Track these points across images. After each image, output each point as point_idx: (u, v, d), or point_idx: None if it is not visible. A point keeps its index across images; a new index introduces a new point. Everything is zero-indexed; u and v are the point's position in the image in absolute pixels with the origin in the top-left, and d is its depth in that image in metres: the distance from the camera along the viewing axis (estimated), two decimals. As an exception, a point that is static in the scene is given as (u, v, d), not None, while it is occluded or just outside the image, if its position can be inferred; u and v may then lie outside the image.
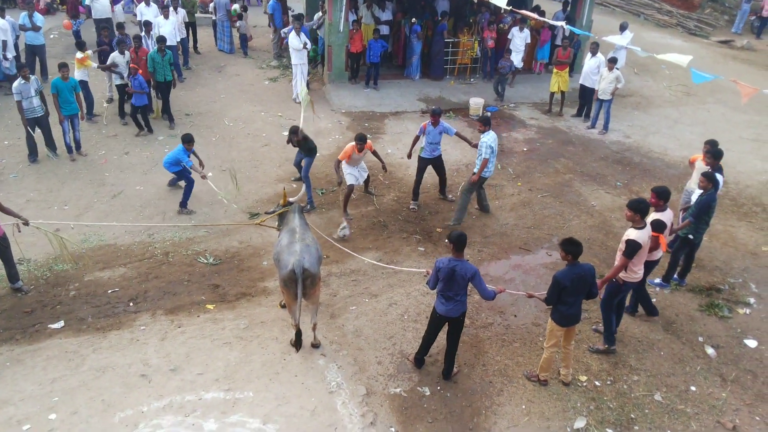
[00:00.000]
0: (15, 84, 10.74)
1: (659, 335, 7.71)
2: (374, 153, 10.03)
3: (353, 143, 9.55)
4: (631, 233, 6.66)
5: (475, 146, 9.95)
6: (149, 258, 8.89)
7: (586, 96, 14.09)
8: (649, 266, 7.45)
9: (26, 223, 8.00)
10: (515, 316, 7.96)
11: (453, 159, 11.97)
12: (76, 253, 8.78)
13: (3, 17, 13.48)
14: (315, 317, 7.08)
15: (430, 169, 10.37)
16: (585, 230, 9.98)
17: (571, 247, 6.24)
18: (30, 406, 6.30)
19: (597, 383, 6.91)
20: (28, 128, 10.96)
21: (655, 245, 7.18)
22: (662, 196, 7.24)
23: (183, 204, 10.05)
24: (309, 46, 14.20)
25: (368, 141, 9.75)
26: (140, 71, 12.11)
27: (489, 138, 9.48)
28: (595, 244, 9.63)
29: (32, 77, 10.90)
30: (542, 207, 10.63)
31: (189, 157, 9.84)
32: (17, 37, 14.18)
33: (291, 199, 7.94)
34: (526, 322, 7.83)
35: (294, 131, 10.09)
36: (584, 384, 6.89)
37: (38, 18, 14.26)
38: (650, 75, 17.51)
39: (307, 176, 10.18)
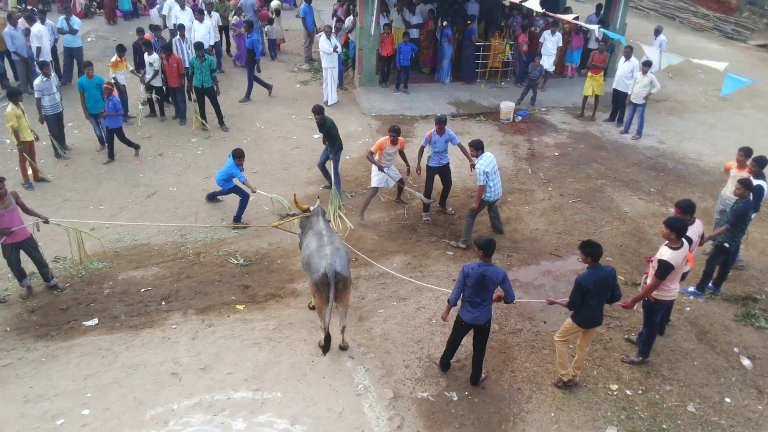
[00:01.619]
0: (37, 81, 11.19)
1: (693, 345, 7.56)
2: (402, 155, 10.03)
3: (387, 136, 9.64)
4: (665, 253, 6.41)
5: (473, 167, 9.25)
6: (181, 258, 9.03)
7: (620, 100, 13.90)
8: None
9: (46, 221, 8.15)
10: (545, 322, 7.88)
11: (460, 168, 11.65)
12: (107, 251, 8.96)
13: (43, 22, 13.88)
14: (344, 320, 7.10)
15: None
16: (617, 237, 9.83)
17: (590, 249, 6.15)
18: (64, 402, 6.44)
19: (628, 392, 6.80)
20: (48, 123, 11.35)
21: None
22: (687, 211, 6.99)
23: (237, 218, 9.86)
24: (339, 49, 14.30)
25: (401, 138, 9.80)
26: (114, 92, 11.47)
27: (483, 163, 8.90)
28: (628, 251, 9.48)
29: (53, 74, 11.35)
30: (573, 212, 10.51)
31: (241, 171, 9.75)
32: (56, 40, 14.55)
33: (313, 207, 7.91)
34: (556, 329, 7.72)
35: (317, 110, 10.14)
36: (615, 393, 6.78)
37: (75, 21, 14.65)
38: (685, 79, 17.20)
39: (337, 173, 10.42)
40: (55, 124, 11.56)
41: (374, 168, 9.79)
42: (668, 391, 6.84)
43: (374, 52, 15.18)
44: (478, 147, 9.07)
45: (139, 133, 12.77)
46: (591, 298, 6.20)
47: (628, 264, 9.15)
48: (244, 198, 9.85)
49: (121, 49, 12.97)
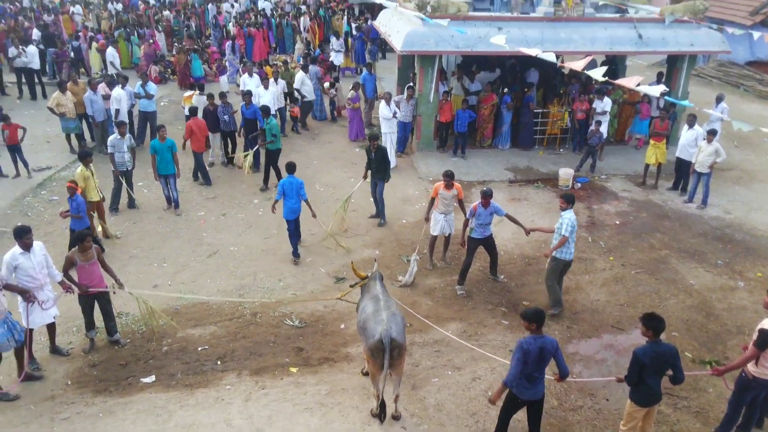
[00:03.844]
0: (110, 138, 12.02)
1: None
2: (460, 204, 10.23)
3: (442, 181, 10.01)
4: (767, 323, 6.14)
5: (528, 233, 9.74)
6: (238, 317, 9.16)
7: (683, 169, 13.59)
8: None
9: (121, 287, 8.39)
10: (607, 399, 7.54)
11: (505, 237, 11.45)
12: (169, 312, 9.17)
13: (123, 87, 14.81)
14: (398, 388, 6.98)
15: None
16: (683, 311, 9.44)
17: (652, 322, 5.92)
18: (119, 459, 6.50)
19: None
20: (119, 177, 12.02)
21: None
22: None
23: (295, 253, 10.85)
24: (398, 115, 14.64)
25: (456, 184, 10.10)
26: (79, 191, 10.07)
27: (572, 216, 8.95)
28: (695, 326, 9.07)
29: (127, 135, 12.06)
30: (636, 284, 10.17)
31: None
32: (132, 105, 15.45)
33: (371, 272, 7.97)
34: (619, 407, 7.37)
35: (373, 137, 11.58)
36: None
37: (151, 87, 15.56)
38: (752, 149, 16.72)
39: (382, 198, 11.94)
40: (122, 179, 12.12)
41: (433, 216, 10.17)
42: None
43: (432, 118, 15.46)
44: (570, 200, 9.03)
45: (204, 194, 13.25)
46: (648, 375, 5.93)
47: (695, 340, 8.74)
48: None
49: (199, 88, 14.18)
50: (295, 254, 10.79)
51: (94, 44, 21.74)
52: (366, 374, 7.57)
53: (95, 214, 10.95)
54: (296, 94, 17.09)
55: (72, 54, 21.44)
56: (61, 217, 10.23)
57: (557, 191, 13.75)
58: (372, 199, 12.30)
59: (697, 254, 11.15)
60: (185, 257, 10.82)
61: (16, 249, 7.55)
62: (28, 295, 7.50)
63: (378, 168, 11.76)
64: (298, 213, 10.67)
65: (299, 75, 17.01)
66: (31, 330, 7.81)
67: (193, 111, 13.76)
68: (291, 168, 10.70)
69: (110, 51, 19.92)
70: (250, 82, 15.99)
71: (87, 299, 8.14)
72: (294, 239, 10.80)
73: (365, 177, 12.16)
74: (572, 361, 8.28)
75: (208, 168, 14.23)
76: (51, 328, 8.17)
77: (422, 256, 10.54)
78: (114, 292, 8.38)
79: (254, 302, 9.49)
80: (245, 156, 13.63)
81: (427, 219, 10.45)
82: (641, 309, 9.34)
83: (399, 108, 14.78)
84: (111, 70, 19.43)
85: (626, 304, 9.61)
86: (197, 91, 15.39)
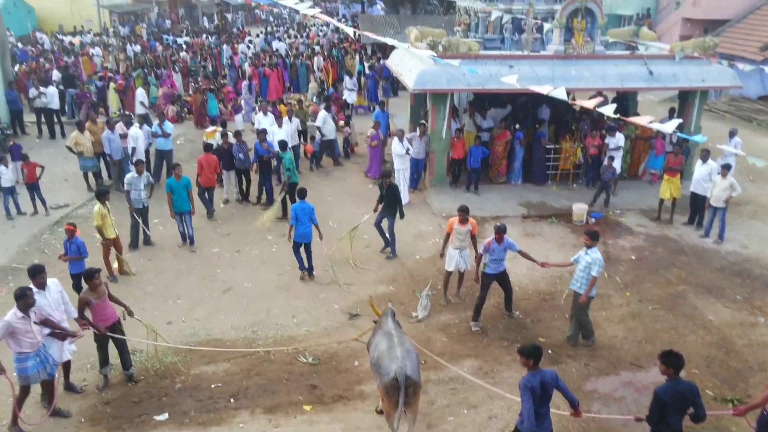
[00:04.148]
0: (128, 176, 12.22)
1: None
2: (473, 239, 10.21)
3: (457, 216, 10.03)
4: None
5: (542, 266, 9.68)
6: (252, 354, 9.11)
7: (698, 204, 13.52)
8: None
9: (131, 314, 8.52)
10: (627, 439, 7.37)
11: (519, 273, 11.30)
12: (182, 349, 9.15)
13: (141, 126, 15.11)
14: (413, 427, 6.88)
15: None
16: (702, 347, 9.28)
17: (671, 360, 5.84)
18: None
19: None
20: (134, 215, 12.17)
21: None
22: None
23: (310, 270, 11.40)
24: (411, 152, 14.76)
25: (471, 220, 10.12)
26: (77, 233, 9.96)
27: (599, 255, 8.93)
28: (715, 362, 8.90)
29: (145, 173, 12.25)
30: (653, 320, 10.04)
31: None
32: (150, 144, 15.71)
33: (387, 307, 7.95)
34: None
35: (386, 174, 11.89)
36: None
37: (168, 126, 15.85)
38: (767, 183, 16.62)
39: (393, 231, 12.08)
40: (138, 216, 12.28)
41: (448, 252, 10.20)
42: None
43: (445, 154, 15.56)
44: (595, 237, 9.02)
45: (219, 230, 13.34)
46: (669, 413, 5.81)
47: (715, 377, 8.57)
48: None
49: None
50: (302, 268, 11.33)
51: (112, 84, 22.27)
52: (380, 412, 7.47)
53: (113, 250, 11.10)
54: (317, 132, 17.33)
55: (95, 94, 22.05)
56: (62, 261, 10.21)
57: (571, 226, 13.70)
58: (376, 229, 12.36)
59: (715, 289, 11.01)
60: (200, 294, 10.84)
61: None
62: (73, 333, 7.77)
63: (388, 203, 11.94)
64: (309, 237, 11.14)
65: (321, 114, 17.25)
66: (67, 362, 8.00)
67: (207, 147, 13.97)
68: (302, 194, 11.18)
69: (140, 91, 20.73)
70: (264, 120, 16.25)
71: (101, 336, 8.16)
72: (299, 255, 11.27)
73: (375, 210, 12.25)
74: (590, 399, 8.14)
75: (222, 205, 14.35)
76: (66, 365, 8.16)
77: (436, 292, 10.50)
78: (124, 319, 8.44)
79: (268, 339, 9.46)
80: (266, 212, 13.58)
81: (442, 255, 10.48)
82: (659, 345, 9.21)
83: (412, 145, 14.91)
84: (140, 110, 19.90)
85: (644, 341, 9.46)
86: (219, 127, 15.69)
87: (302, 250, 11.25)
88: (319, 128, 17.13)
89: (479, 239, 10.33)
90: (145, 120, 15.74)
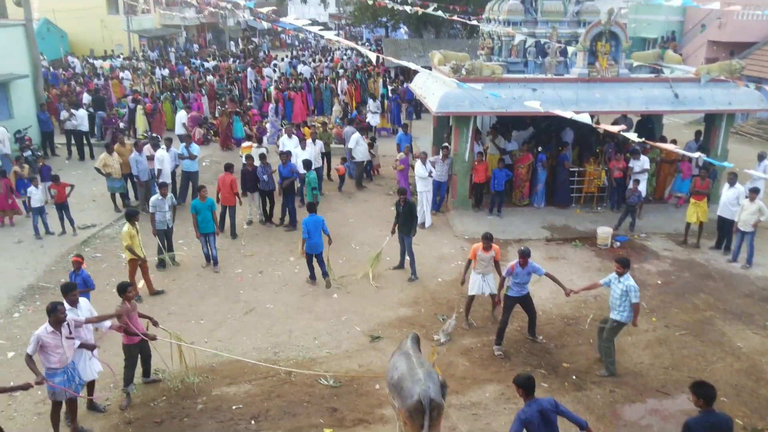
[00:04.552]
0: (152, 198, 12.39)
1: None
2: (496, 265, 10.16)
3: (480, 242, 10.01)
4: None
5: (569, 294, 9.47)
6: (273, 376, 9.11)
7: (725, 228, 13.29)
8: None
9: (155, 324, 8.68)
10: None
11: (543, 297, 11.22)
12: (204, 369, 9.18)
13: (167, 149, 15.39)
14: (434, 451, 6.79)
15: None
16: (731, 375, 9.05)
17: (703, 391, 5.68)
18: None
19: None
20: (158, 236, 12.35)
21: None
22: None
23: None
24: (434, 174, 14.79)
25: (495, 246, 10.08)
26: (84, 265, 10.08)
27: (632, 281, 8.77)
28: (744, 391, 8.67)
29: (169, 195, 12.48)
30: (681, 346, 9.83)
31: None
32: (176, 166, 15.97)
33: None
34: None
35: (402, 191, 12.21)
36: None
37: (195, 148, 16.10)
38: (798, 206, 16.28)
39: (411, 252, 12.17)
40: (163, 238, 12.48)
41: (471, 276, 10.18)
42: None
43: (467, 177, 15.55)
44: (626, 264, 8.86)
45: (242, 251, 13.45)
46: None
47: (745, 406, 8.34)
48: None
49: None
50: (312, 278, 11.93)
51: (140, 107, 22.73)
52: (401, 437, 7.39)
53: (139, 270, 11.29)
54: (350, 155, 17.51)
55: (126, 116, 22.66)
56: None
57: (596, 250, 13.55)
58: (399, 252, 12.60)
59: (744, 315, 10.77)
60: (222, 314, 10.90)
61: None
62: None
63: (404, 222, 12.06)
64: (321, 248, 11.64)
65: (355, 136, 17.43)
66: (92, 381, 8.18)
67: (227, 167, 14.11)
68: (311, 207, 11.85)
69: (181, 113, 21.14)
70: (289, 143, 16.42)
71: (134, 351, 8.41)
72: (311, 265, 11.84)
73: (393, 232, 12.41)
74: (615, 427, 7.98)
75: (246, 226, 14.49)
76: (90, 384, 8.26)
77: (458, 315, 10.43)
78: (147, 329, 8.63)
79: (289, 361, 9.47)
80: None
81: (463, 282, 10.48)
82: (686, 372, 9.03)
83: (434, 167, 14.94)
84: (180, 131, 20.28)
85: (671, 367, 9.27)
86: (255, 143, 16.07)
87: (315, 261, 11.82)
88: (350, 149, 17.29)
89: (503, 263, 10.27)
90: (157, 143, 16.03)
